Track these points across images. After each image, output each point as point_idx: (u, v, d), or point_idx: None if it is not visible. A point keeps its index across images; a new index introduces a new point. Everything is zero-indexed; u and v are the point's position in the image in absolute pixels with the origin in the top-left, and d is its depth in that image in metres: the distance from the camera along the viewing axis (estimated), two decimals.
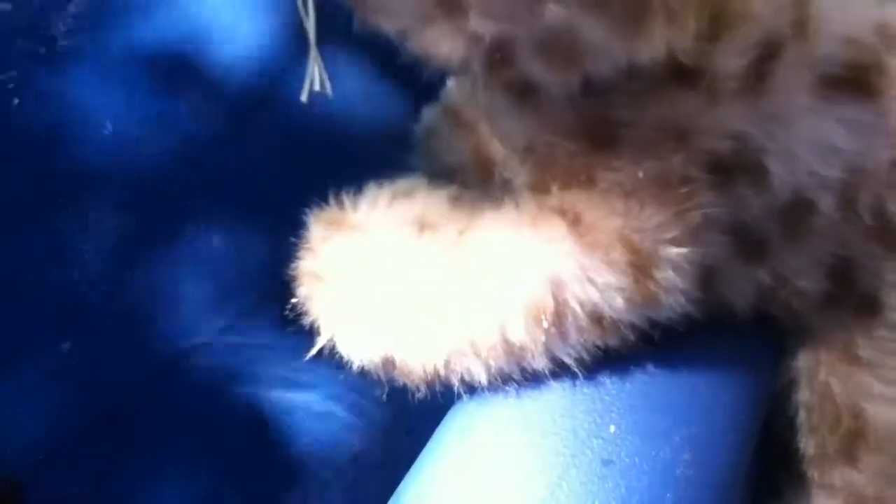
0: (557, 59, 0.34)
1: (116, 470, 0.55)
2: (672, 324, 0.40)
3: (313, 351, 0.42)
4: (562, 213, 0.38)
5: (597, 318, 0.39)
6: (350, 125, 0.58)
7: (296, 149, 0.59)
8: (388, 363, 0.40)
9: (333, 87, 0.38)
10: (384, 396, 0.42)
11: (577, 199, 0.38)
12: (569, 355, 0.39)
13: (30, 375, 0.55)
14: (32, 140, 0.57)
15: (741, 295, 0.41)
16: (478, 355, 0.39)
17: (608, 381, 0.41)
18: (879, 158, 0.39)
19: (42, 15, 0.59)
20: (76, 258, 0.56)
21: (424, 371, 0.40)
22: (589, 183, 0.37)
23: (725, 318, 0.41)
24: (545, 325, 0.38)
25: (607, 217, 0.37)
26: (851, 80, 0.38)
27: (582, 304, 0.38)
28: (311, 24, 0.36)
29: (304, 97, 0.37)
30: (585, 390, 0.41)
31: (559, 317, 0.38)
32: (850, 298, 0.41)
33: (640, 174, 0.36)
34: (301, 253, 0.42)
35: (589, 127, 0.37)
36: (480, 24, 0.33)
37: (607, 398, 0.41)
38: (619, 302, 0.38)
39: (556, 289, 0.38)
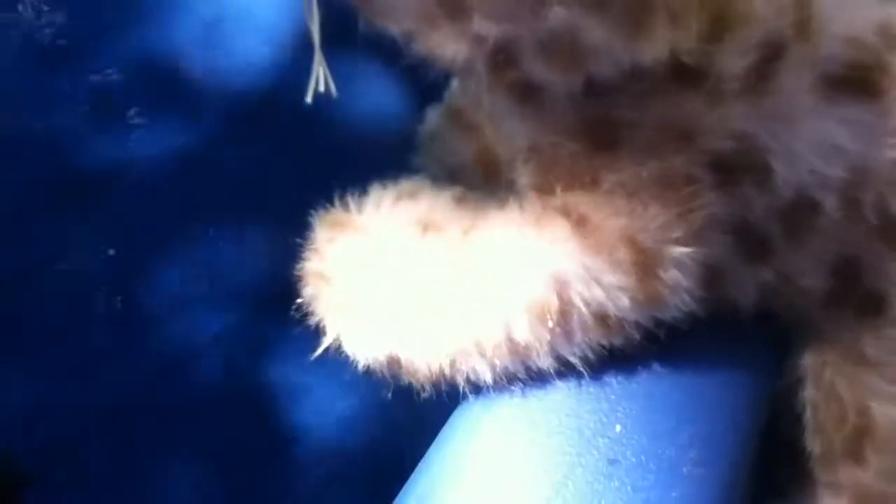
0: (560, 61, 0.34)
1: (121, 468, 0.55)
2: (677, 323, 0.40)
3: (319, 350, 0.42)
4: (566, 213, 0.38)
5: (602, 317, 0.39)
6: (355, 126, 0.59)
7: (301, 150, 0.59)
8: (394, 362, 0.41)
9: (338, 89, 0.38)
10: (389, 396, 0.42)
11: (581, 200, 0.38)
12: (574, 355, 0.40)
13: (36, 375, 0.55)
14: (39, 143, 0.58)
15: (745, 294, 0.41)
16: (483, 355, 0.39)
17: (614, 381, 0.41)
18: (882, 158, 0.39)
19: (43, 16, 0.59)
20: (81, 259, 0.57)
21: (430, 370, 0.40)
22: (593, 183, 0.37)
23: (730, 316, 0.41)
24: (550, 324, 0.38)
25: (611, 217, 0.37)
26: (854, 80, 0.38)
27: (587, 304, 0.38)
28: (315, 26, 0.36)
29: (308, 99, 0.37)
30: (591, 390, 0.41)
31: (564, 316, 0.38)
32: (854, 297, 0.41)
33: (644, 174, 0.37)
34: (306, 254, 0.43)
35: (592, 127, 0.37)
36: (484, 26, 0.34)
37: (613, 397, 0.41)
38: (623, 301, 0.38)
39: (561, 288, 0.38)
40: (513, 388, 0.41)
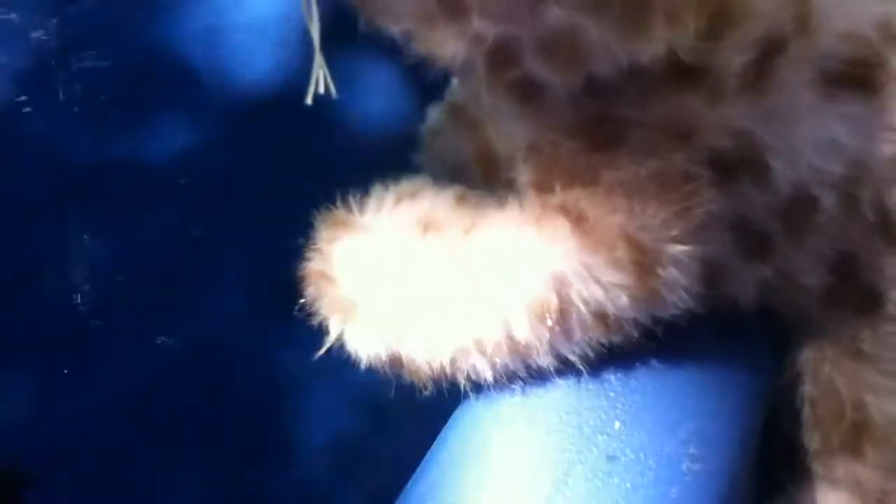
0: (559, 60, 0.35)
1: (122, 468, 0.55)
2: (676, 320, 0.40)
3: (322, 349, 0.42)
4: (565, 211, 0.38)
5: (601, 315, 0.39)
6: (356, 126, 0.59)
7: (302, 150, 0.59)
8: (396, 361, 0.41)
9: (339, 89, 0.39)
10: (392, 394, 0.42)
11: (581, 198, 0.38)
12: (573, 353, 0.40)
13: (35, 375, 0.56)
14: (42, 144, 0.58)
15: (745, 291, 0.41)
16: (483, 353, 0.40)
17: (613, 378, 0.41)
18: (880, 154, 0.39)
19: (49, 19, 0.59)
20: (81, 259, 0.57)
21: (431, 369, 0.40)
22: (592, 182, 0.38)
23: (729, 313, 0.41)
24: (549, 322, 0.39)
25: (610, 215, 0.38)
26: (853, 77, 0.38)
27: (586, 302, 0.38)
28: (314, 28, 0.36)
29: (308, 100, 0.37)
30: (590, 387, 0.41)
31: (563, 315, 0.39)
32: (853, 293, 0.41)
33: (643, 173, 0.37)
34: (309, 254, 0.43)
35: (592, 126, 0.37)
36: (483, 26, 0.34)
37: (612, 395, 0.41)
38: (622, 299, 0.39)
39: (560, 287, 0.38)
40: (513, 386, 0.41)
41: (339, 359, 0.42)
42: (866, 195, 0.39)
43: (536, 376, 0.41)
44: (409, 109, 0.54)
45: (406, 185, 0.44)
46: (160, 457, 0.55)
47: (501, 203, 0.41)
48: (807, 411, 0.45)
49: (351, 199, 0.43)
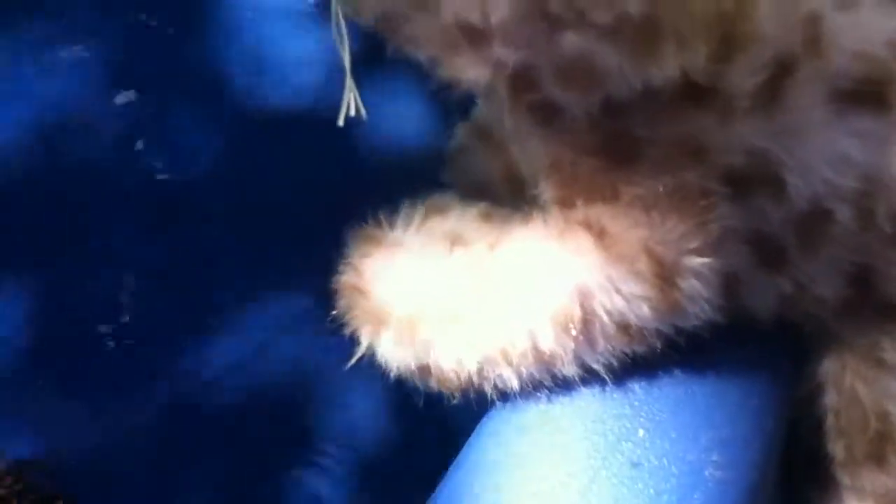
0: (577, 84, 0.36)
1: (153, 484, 0.56)
2: (697, 331, 0.41)
3: (354, 360, 0.44)
4: (588, 226, 0.39)
5: (624, 326, 0.40)
6: (386, 145, 0.60)
7: (336, 168, 0.61)
8: (424, 371, 0.42)
9: (369, 111, 0.40)
10: (421, 403, 0.43)
11: (602, 213, 0.39)
12: (597, 362, 0.41)
13: (69, 392, 0.57)
14: (69, 160, 0.59)
15: (763, 303, 0.42)
16: (509, 363, 0.41)
17: (637, 387, 0.42)
18: (894, 168, 0.39)
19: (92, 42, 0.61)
20: (111, 274, 0.58)
21: (458, 378, 0.41)
22: (613, 197, 0.39)
23: (749, 324, 0.42)
24: (573, 333, 0.40)
25: (631, 229, 0.39)
26: (865, 94, 0.38)
27: (609, 313, 0.39)
28: (345, 52, 0.38)
29: (340, 122, 0.39)
30: (615, 396, 0.42)
31: (587, 325, 0.40)
32: (870, 304, 0.42)
33: (661, 188, 0.38)
34: (342, 268, 0.45)
35: (610, 145, 0.38)
36: (503, 53, 0.35)
37: (636, 403, 0.42)
38: (644, 310, 0.39)
39: (584, 298, 0.39)
40: (539, 394, 0.42)
41: (371, 370, 0.44)
42: (881, 208, 0.39)
43: (561, 385, 0.42)
44: (436, 129, 0.56)
45: (434, 201, 0.45)
46: (191, 472, 0.56)
47: (526, 219, 0.42)
48: (830, 421, 0.45)
49: (381, 216, 0.45)
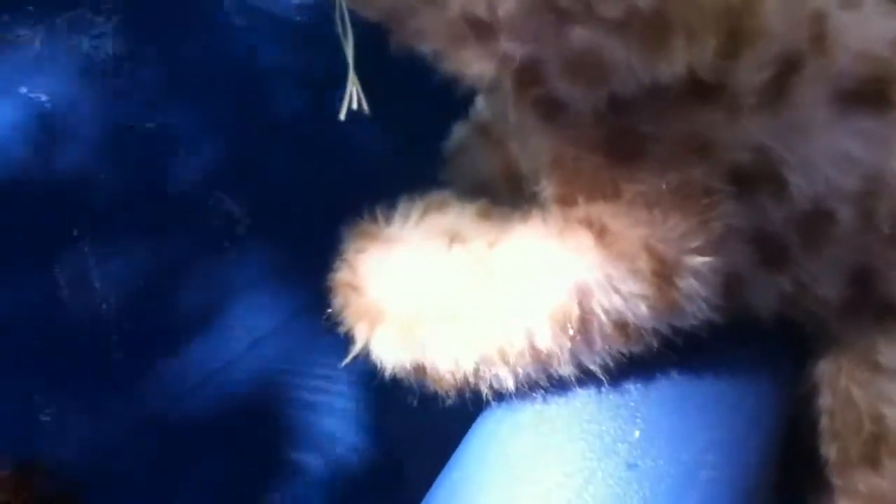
0: (583, 78, 0.36)
1: (153, 484, 0.56)
2: (695, 330, 0.41)
3: (349, 358, 0.43)
4: (588, 224, 0.39)
5: (621, 325, 0.40)
6: (385, 141, 0.60)
7: (333, 163, 0.60)
8: (420, 370, 0.42)
9: (370, 106, 0.40)
10: (415, 403, 0.43)
11: (603, 211, 0.39)
12: (594, 362, 0.41)
13: (85, 387, 0.56)
14: (68, 163, 0.59)
15: (763, 302, 0.42)
16: (506, 362, 0.40)
17: (633, 388, 0.42)
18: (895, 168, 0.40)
19: (77, 35, 0.60)
20: (116, 278, 0.58)
21: (454, 378, 0.41)
22: (614, 195, 0.39)
23: (748, 324, 0.42)
24: (571, 332, 0.39)
25: (632, 227, 0.39)
26: (868, 94, 0.38)
27: (607, 312, 0.39)
28: (348, 47, 0.38)
29: (342, 116, 0.39)
30: (611, 396, 0.42)
31: (584, 324, 0.39)
32: (870, 305, 0.42)
33: (664, 186, 0.38)
34: (337, 264, 0.44)
35: (614, 141, 0.38)
36: (510, 47, 0.35)
37: (632, 404, 0.42)
38: (642, 309, 0.39)
39: (582, 296, 0.39)
40: (535, 395, 0.42)
41: (365, 368, 0.43)
42: (882, 208, 0.40)
43: (557, 385, 0.41)
44: (435, 126, 0.55)
45: (432, 198, 0.45)
46: (188, 473, 0.56)
47: (525, 216, 0.42)
48: (825, 423, 0.45)
49: (378, 212, 0.44)
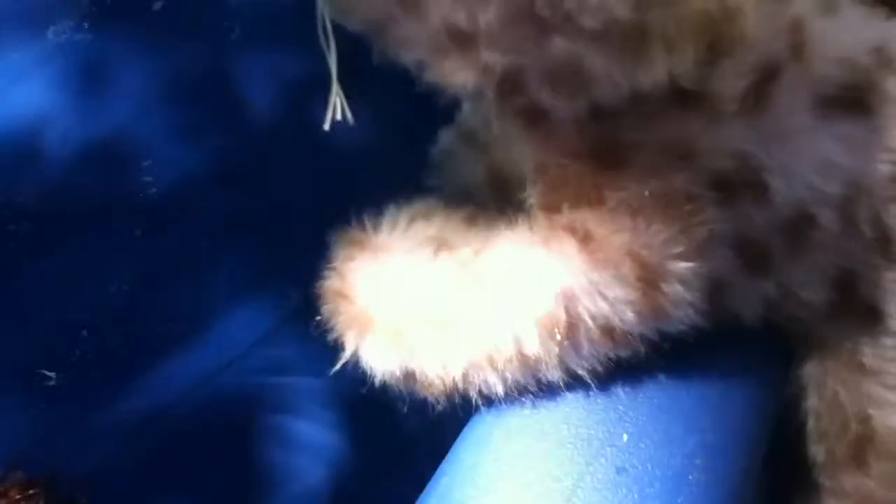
0: (564, 88, 0.36)
1: (146, 489, 0.56)
2: (682, 335, 0.41)
3: (338, 365, 0.43)
4: (573, 231, 0.40)
5: (608, 330, 0.40)
6: (371, 148, 0.60)
7: (321, 171, 0.60)
8: (409, 377, 0.42)
9: (355, 114, 0.40)
10: (405, 409, 0.43)
11: (587, 218, 0.39)
12: (582, 367, 0.41)
13: (66, 397, 0.56)
14: (62, 167, 0.59)
15: (748, 306, 0.42)
16: (495, 368, 0.41)
17: (621, 392, 0.42)
18: (876, 173, 0.40)
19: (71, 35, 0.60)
20: (105, 282, 0.58)
21: (444, 384, 0.41)
22: (598, 202, 0.39)
23: (734, 328, 0.42)
24: (558, 337, 0.40)
25: (616, 234, 0.39)
26: (847, 100, 0.39)
27: (594, 318, 0.40)
28: (332, 58, 0.38)
29: (326, 126, 0.39)
30: (599, 401, 0.42)
31: (571, 329, 0.40)
32: (853, 308, 0.42)
33: (647, 193, 0.38)
34: (326, 272, 0.44)
35: (597, 149, 0.38)
36: (492, 57, 0.35)
37: (620, 408, 0.42)
38: (629, 315, 0.40)
39: (568, 302, 0.39)
40: (524, 400, 0.42)
41: (354, 374, 0.43)
42: (863, 213, 0.40)
43: (546, 390, 0.42)
44: (421, 132, 0.55)
45: (419, 205, 0.45)
46: (170, 486, 0.56)
47: (511, 223, 0.42)
48: (812, 424, 0.46)
49: (366, 219, 0.44)
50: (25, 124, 0.59)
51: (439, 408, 0.42)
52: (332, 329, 0.43)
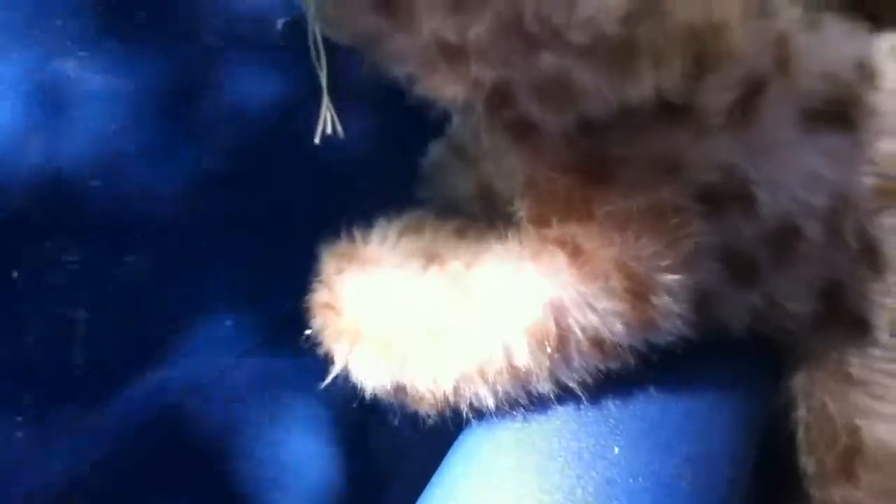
0: (553, 102, 0.36)
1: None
2: (670, 347, 0.41)
3: (328, 379, 0.43)
4: (562, 244, 0.40)
5: (598, 342, 0.40)
6: (361, 161, 0.60)
7: (309, 184, 0.60)
8: (400, 390, 0.42)
9: (345, 126, 0.40)
10: (396, 422, 0.43)
11: (577, 232, 0.39)
12: (573, 379, 0.41)
13: (53, 416, 0.56)
14: (47, 177, 0.59)
15: (736, 318, 0.42)
16: (486, 380, 0.41)
17: (612, 405, 0.42)
18: (861, 185, 0.40)
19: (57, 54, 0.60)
20: (97, 292, 0.57)
21: (434, 397, 0.41)
22: (587, 215, 0.39)
23: (723, 340, 0.43)
24: (549, 349, 0.40)
25: (605, 247, 0.39)
26: (832, 114, 0.39)
27: (583, 329, 0.40)
28: (322, 72, 0.38)
29: (316, 140, 0.39)
30: (590, 414, 0.42)
31: (562, 341, 0.40)
32: (840, 319, 0.43)
33: (635, 206, 0.38)
34: (315, 286, 0.44)
35: (585, 163, 0.39)
36: (480, 71, 0.36)
37: (611, 421, 0.42)
38: (618, 326, 0.40)
39: (558, 314, 0.40)
40: (515, 413, 0.42)
41: (345, 389, 0.43)
42: (849, 225, 0.40)
43: (537, 403, 0.42)
44: (411, 145, 0.56)
45: (409, 218, 0.45)
46: (171, 482, 0.56)
47: (501, 236, 0.42)
48: (801, 435, 0.46)
49: (356, 232, 0.44)
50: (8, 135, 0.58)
51: (430, 422, 0.42)
52: (321, 342, 0.43)
